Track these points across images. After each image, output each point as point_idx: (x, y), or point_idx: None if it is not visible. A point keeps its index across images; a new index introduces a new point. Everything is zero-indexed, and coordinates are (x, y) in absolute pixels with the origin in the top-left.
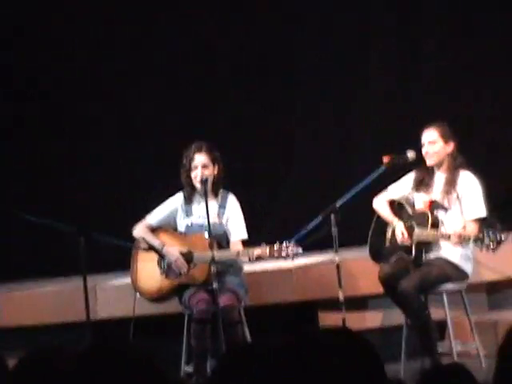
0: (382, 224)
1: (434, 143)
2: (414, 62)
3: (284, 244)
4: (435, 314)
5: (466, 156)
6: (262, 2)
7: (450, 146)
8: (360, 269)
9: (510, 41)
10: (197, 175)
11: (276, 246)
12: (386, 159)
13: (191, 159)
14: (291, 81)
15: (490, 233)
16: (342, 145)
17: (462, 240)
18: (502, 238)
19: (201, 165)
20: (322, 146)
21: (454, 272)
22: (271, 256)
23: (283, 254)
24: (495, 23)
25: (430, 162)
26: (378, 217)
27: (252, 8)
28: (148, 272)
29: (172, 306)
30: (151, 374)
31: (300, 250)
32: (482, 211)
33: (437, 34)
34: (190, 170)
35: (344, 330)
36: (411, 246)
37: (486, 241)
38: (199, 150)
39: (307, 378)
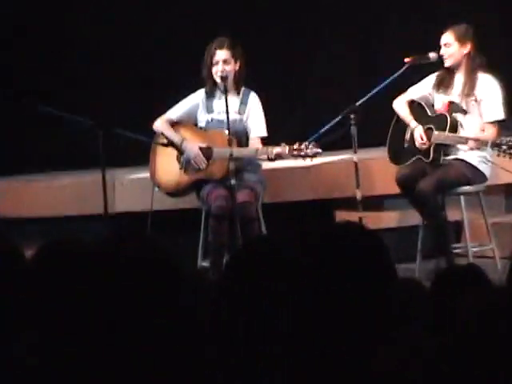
0: (402, 126)
1: (449, 45)
2: None
3: (303, 144)
4: (452, 215)
5: (486, 57)
6: None
7: (467, 48)
8: (378, 169)
9: None
10: (217, 71)
11: (295, 146)
12: (407, 59)
13: (213, 54)
14: None
15: (508, 139)
16: (365, 44)
17: (480, 145)
18: None
19: (222, 60)
20: (346, 45)
21: (471, 174)
22: (290, 155)
23: (302, 153)
24: None
25: (446, 63)
26: (398, 119)
27: None
28: (167, 166)
29: (190, 202)
30: (166, 267)
31: (319, 150)
32: (500, 114)
33: None
34: (211, 65)
35: (356, 225)
36: (429, 148)
37: (504, 147)
38: (221, 46)
39: (318, 271)
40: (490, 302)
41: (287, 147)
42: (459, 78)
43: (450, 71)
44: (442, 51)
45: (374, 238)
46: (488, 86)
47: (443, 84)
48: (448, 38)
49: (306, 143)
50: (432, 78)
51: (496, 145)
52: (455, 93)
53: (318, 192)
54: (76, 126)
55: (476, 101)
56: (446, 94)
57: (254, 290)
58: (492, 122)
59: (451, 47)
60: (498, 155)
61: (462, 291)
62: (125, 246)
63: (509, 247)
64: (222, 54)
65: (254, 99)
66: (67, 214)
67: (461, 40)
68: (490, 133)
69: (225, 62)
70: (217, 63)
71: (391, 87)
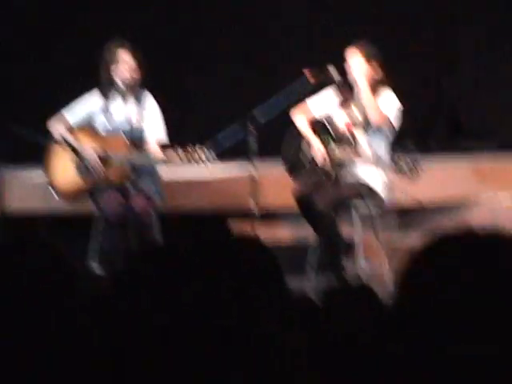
0: (298, 138)
1: (356, 61)
2: None
3: (197, 147)
4: (346, 233)
5: (387, 74)
6: None
7: (372, 65)
8: (275, 181)
9: None
10: (124, 71)
11: (190, 149)
12: (307, 71)
13: (118, 58)
14: None
15: (408, 159)
16: (266, 54)
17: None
18: (419, 164)
19: (126, 62)
20: (248, 53)
21: (368, 193)
22: (185, 159)
23: (196, 157)
24: None
25: (350, 77)
26: (294, 128)
27: None
28: (64, 171)
29: (85, 206)
30: (59, 266)
31: (213, 154)
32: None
33: None
34: (113, 66)
35: (250, 239)
36: (330, 166)
37: (404, 167)
38: (122, 46)
39: (209, 278)
40: (380, 322)
41: (182, 151)
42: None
43: (350, 87)
44: (349, 64)
45: (267, 253)
46: (389, 101)
47: (345, 101)
48: (355, 53)
49: (201, 147)
50: (331, 94)
51: (396, 163)
52: (356, 110)
53: (214, 203)
54: None
55: None
56: (346, 110)
57: (144, 300)
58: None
59: (358, 62)
60: (398, 175)
61: (353, 311)
62: (15, 246)
63: (402, 267)
64: (128, 57)
65: (151, 102)
66: None
67: (367, 57)
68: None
69: (128, 63)
70: (123, 65)
71: (290, 97)
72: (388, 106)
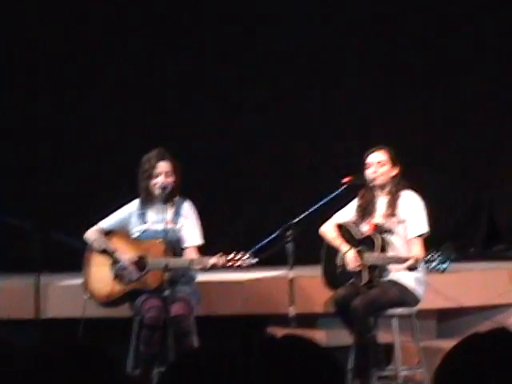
0: (332, 251)
1: (383, 164)
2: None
3: (239, 254)
4: (384, 337)
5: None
6: None
7: (396, 170)
8: (312, 287)
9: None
10: (157, 182)
11: (230, 256)
12: (345, 180)
13: (154, 166)
14: (252, 89)
15: (439, 253)
16: (307, 164)
17: (417, 263)
18: (451, 257)
19: (164, 172)
20: (287, 160)
21: (406, 295)
22: (225, 265)
23: (237, 263)
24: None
25: (376, 181)
26: (328, 245)
27: None
28: (100, 276)
29: (122, 310)
30: (109, 370)
31: (254, 261)
32: (424, 227)
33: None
34: (151, 176)
35: (300, 339)
36: (363, 271)
37: (436, 262)
38: (162, 158)
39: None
40: None
41: (222, 257)
42: (382, 200)
43: (371, 196)
44: (374, 169)
45: (322, 353)
46: (410, 202)
47: (366, 212)
48: (382, 156)
49: (242, 253)
50: (354, 205)
51: (428, 260)
52: (378, 214)
53: (251, 307)
54: (12, 228)
55: (399, 222)
56: (370, 217)
57: None
58: (417, 237)
59: (384, 166)
60: (431, 271)
61: None
62: (59, 349)
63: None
64: (164, 166)
65: (188, 208)
66: None
67: (393, 161)
68: (418, 249)
69: (166, 173)
70: (158, 175)
71: (330, 205)
72: (407, 207)
